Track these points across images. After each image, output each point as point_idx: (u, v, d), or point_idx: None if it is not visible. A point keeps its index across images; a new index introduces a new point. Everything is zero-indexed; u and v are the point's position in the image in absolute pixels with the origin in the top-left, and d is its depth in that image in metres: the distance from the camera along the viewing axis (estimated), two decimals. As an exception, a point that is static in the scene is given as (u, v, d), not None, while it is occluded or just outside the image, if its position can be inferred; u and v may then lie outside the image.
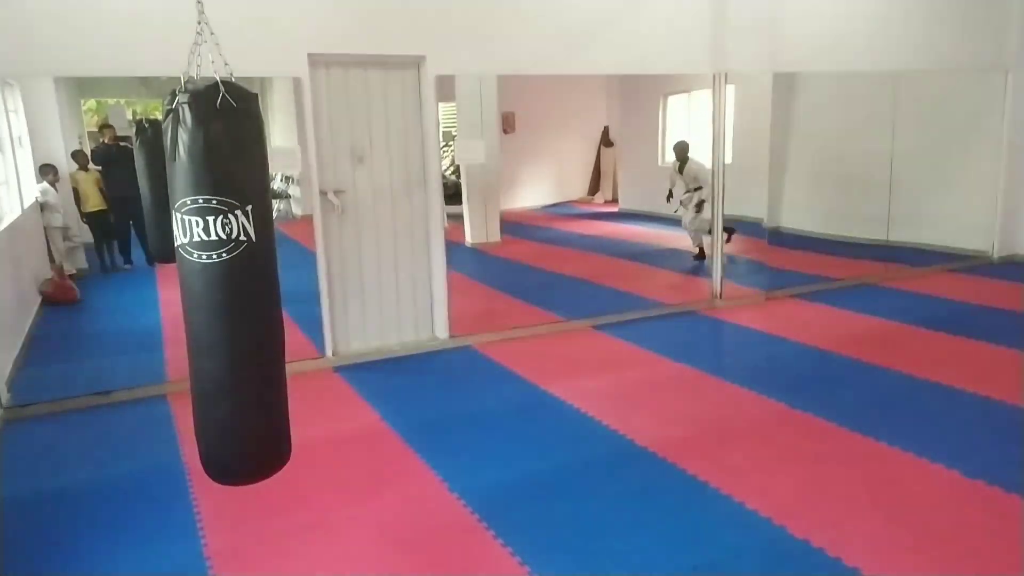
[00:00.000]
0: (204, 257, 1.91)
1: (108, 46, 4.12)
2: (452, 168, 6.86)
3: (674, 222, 7.58)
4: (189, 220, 1.90)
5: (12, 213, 5.22)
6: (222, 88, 1.89)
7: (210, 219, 1.89)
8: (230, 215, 1.89)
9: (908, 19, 6.58)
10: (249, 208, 1.92)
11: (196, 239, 1.90)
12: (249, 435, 2.07)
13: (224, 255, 1.91)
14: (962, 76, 7.07)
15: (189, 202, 1.89)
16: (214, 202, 1.88)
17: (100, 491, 3.33)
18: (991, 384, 4.18)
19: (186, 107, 1.87)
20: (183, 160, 1.88)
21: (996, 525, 2.81)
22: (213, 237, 1.90)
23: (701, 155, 6.41)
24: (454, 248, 5.54)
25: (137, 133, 5.08)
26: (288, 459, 2.18)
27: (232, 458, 2.08)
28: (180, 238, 1.94)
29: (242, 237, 1.92)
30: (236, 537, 2.93)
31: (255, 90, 2.08)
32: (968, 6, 6.82)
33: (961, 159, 7.33)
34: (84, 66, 4.28)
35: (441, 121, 5.28)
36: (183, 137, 1.87)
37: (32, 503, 3.26)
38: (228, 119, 1.91)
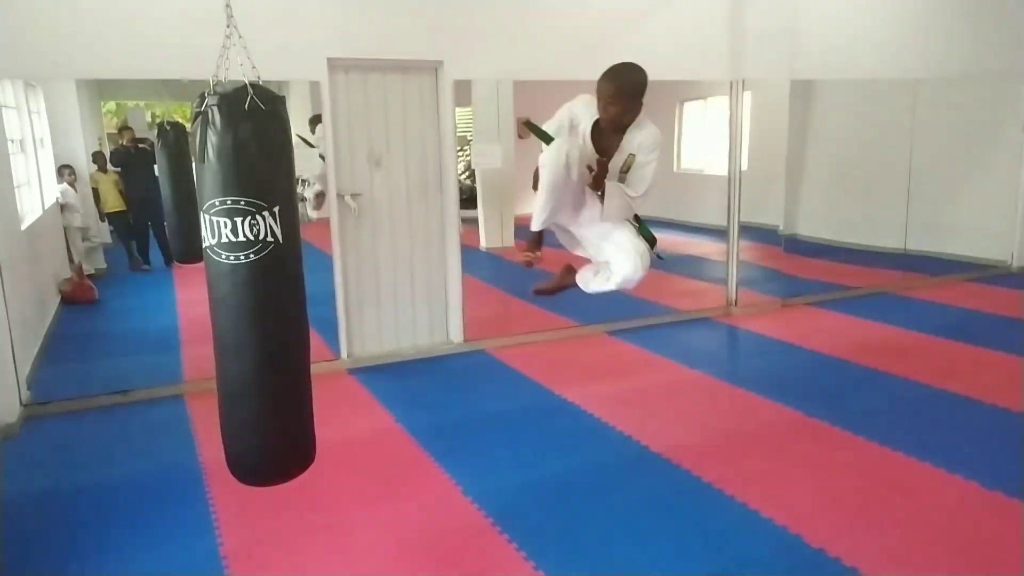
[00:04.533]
0: (232, 258, 1.92)
1: (129, 49, 4.17)
2: (467, 172, 6.87)
3: (688, 228, 7.56)
4: (217, 221, 1.92)
5: (33, 213, 5.27)
6: (251, 90, 1.91)
7: (238, 220, 1.90)
8: (258, 216, 1.91)
9: (927, 27, 6.55)
10: (276, 209, 1.94)
11: (224, 240, 1.92)
12: (274, 435, 2.08)
13: (252, 256, 1.92)
14: (981, 84, 7.01)
15: (217, 203, 1.90)
16: (242, 203, 1.89)
17: (117, 489, 3.36)
18: (1010, 395, 4.14)
19: (215, 109, 1.89)
20: (212, 161, 1.90)
21: (1015, 538, 2.78)
22: (241, 238, 1.91)
23: (719, 162, 6.38)
24: (469, 252, 5.55)
25: (159, 135, 5.12)
26: (313, 460, 2.19)
27: (257, 458, 2.10)
28: (208, 239, 1.95)
29: (269, 238, 1.94)
30: (252, 537, 2.94)
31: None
32: (988, 14, 6.77)
33: (980, 167, 7.27)
34: (105, 69, 4.34)
35: (457, 125, 5.30)
36: (212, 139, 1.88)
37: (50, 500, 3.29)
38: (256, 121, 1.92)
